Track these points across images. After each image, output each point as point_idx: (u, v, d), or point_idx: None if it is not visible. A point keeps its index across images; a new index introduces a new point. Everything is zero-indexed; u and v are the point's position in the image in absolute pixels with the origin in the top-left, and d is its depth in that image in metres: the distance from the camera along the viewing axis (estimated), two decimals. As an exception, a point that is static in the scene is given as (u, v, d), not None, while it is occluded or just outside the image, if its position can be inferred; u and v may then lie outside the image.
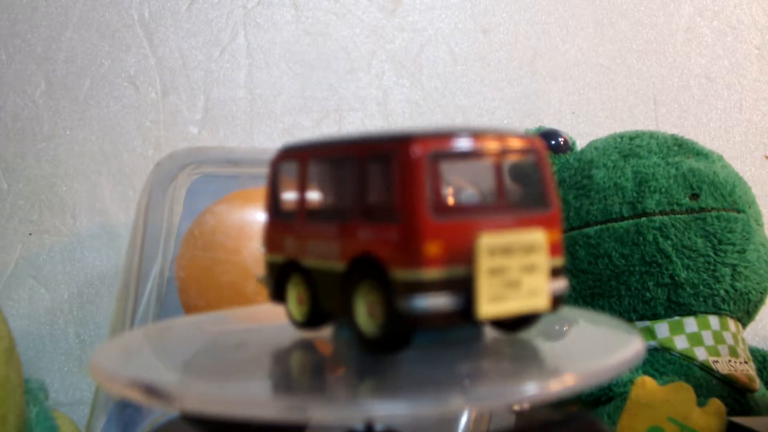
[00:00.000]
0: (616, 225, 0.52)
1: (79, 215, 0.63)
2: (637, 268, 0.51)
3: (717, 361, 0.49)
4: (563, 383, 0.21)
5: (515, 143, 0.25)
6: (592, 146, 0.57)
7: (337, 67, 0.68)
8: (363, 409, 0.20)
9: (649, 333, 0.51)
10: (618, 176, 0.53)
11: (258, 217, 0.48)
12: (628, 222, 0.52)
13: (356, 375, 0.24)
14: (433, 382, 0.22)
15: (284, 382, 0.24)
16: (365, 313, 0.25)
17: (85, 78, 0.64)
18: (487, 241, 0.23)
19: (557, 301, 0.25)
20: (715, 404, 0.42)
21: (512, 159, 0.25)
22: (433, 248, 0.23)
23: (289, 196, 0.28)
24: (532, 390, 0.21)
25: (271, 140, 0.66)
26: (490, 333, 0.27)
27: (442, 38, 0.70)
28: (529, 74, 0.71)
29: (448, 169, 0.24)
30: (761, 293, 0.53)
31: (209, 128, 0.66)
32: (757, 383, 0.50)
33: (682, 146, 0.55)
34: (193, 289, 0.47)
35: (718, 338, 0.51)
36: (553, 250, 0.25)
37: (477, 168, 0.25)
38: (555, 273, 0.25)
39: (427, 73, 0.69)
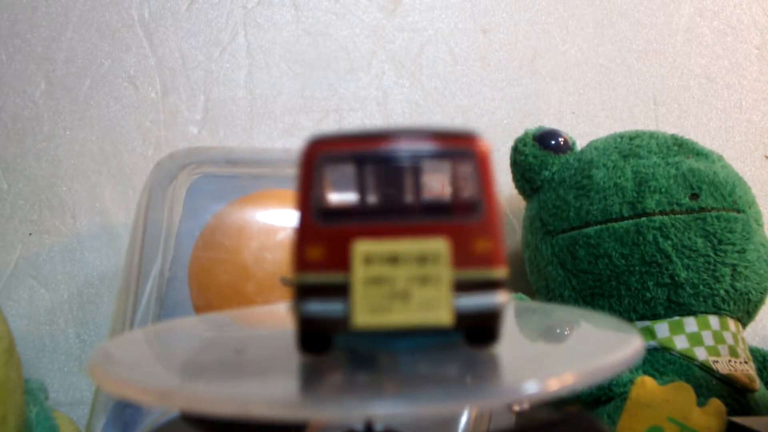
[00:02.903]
0: (616, 225, 0.52)
1: (79, 215, 0.63)
2: (637, 268, 0.51)
3: (717, 361, 0.49)
4: (563, 382, 0.21)
5: (436, 146, 0.24)
6: (592, 146, 0.57)
7: (337, 67, 0.68)
8: (363, 409, 0.20)
9: (649, 333, 0.51)
10: (618, 176, 0.53)
11: (257, 217, 0.48)
12: (628, 222, 0.52)
13: (356, 375, 0.24)
14: (433, 382, 0.22)
15: (284, 382, 0.24)
16: None
17: (85, 78, 0.64)
18: (363, 248, 0.22)
19: (479, 317, 0.23)
20: (715, 404, 0.42)
21: (430, 162, 0.24)
22: (315, 252, 0.23)
23: None
24: (531, 389, 0.21)
25: (271, 140, 0.66)
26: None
27: (442, 38, 0.70)
28: (529, 74, 0.71)
29: (342, 172, 0.23)
30: (761, 293, 0.53)
31: (209, 128, 0.66)
32: (757, 383, 0.50)
33: (682, 146, 0.55)
34: (192, 288, 0.47)
35: (718, 338, 0.51)
36: (482, 260, 0.23)
37: (380, 171, 0.24)
38: (476, 286, 0.23)
39: (427, 73, 0.69)
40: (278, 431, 0.24)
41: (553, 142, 0.57)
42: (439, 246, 0.22)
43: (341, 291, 0.23)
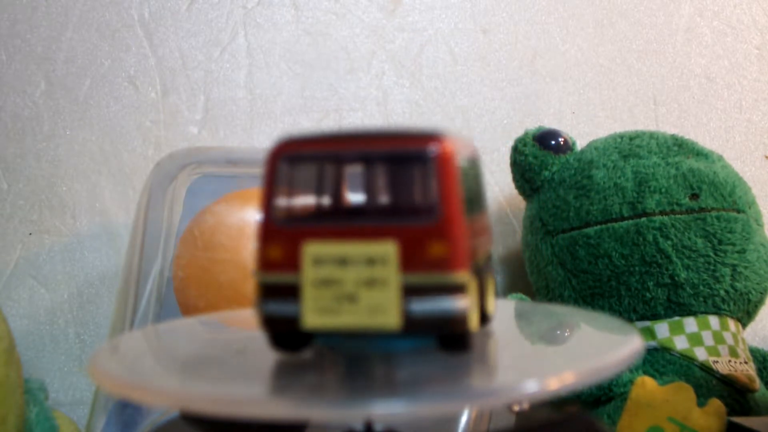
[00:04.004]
0: (616, 225, 0.52)
1: (79, 215, 0.63)
2: (637, 268, 0.51)
3: (717, 361, 0.49)
4: (562, 382, 0.21)
5: (391, 148, 0.23)
6: (592, 146, 0.57)
7: (337, 67, 0.68)
8: (363, 409, 0.20)
9: (649, 333, 0.51)
10: (618, 176, 0.53)
11: (257, 216, 0.48)
12: (628, 222, 0.52)
13: (356, 375, 0.24)
14: (433, 382, 0.22)
15: (284, 382, 0.24)
16: None
17: (85, 78, 0.64)
18: (312, 250, 0.22)
19: (435, 321, 0.22)
20: (715, 404, 0.42)
21: (387, 164, 0.23)
22: (273, 252, 0.23)
23: None
24: (531, 388, 0.21)
25: (271, 140, 0.66)
26: (487, 335, 0.27)
27: (442, 38, 0.70)
28: (529, 74, 0.71)
29: (300, 173, 0.24)
30: (761, 293, 0.53)
31: (209, 128, 0.66)
32: (757, 383, 0.50)
33: (682, 146, 0.55)
34: (192, 289, 0.47)
35: (718, 338, 0.51)
36: (437, 264, 0.22)
37: (338, 173, 0.24)
38: (431, 290, 0.22)
39: (427, 73, 0.69)
40: (278, 431, 0.24)
41: (553, 142, 0.57)
42: (386, 249, 0.22)
43: (297, 291, 0.23)
